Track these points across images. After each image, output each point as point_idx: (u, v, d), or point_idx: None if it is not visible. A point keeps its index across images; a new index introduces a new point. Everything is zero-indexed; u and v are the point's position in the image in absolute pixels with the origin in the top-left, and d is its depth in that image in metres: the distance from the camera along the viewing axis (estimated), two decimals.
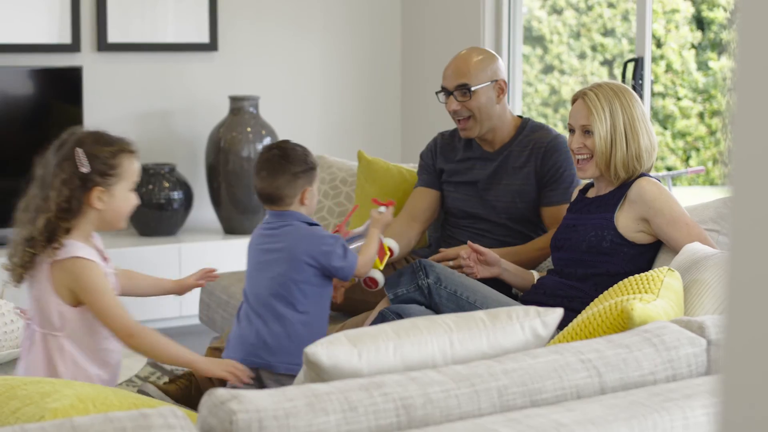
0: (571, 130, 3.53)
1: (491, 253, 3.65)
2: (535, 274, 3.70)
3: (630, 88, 3.53)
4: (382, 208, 3.56)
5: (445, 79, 4.00)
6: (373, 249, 3.43)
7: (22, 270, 2.85)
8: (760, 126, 1.10)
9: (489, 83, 3.96)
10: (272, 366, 3.22)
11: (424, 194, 4.14)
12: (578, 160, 3.51)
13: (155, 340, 2.94)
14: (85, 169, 2.81)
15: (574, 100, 3.55)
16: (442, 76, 4.03)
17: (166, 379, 3.65)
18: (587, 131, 3.47)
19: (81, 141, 2.82)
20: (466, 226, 4.03)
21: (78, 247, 2.85)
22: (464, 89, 3.94)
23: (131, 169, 2.90)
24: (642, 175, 3.47)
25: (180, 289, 3.35)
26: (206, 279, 3.43)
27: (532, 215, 3.97)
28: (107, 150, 2.84)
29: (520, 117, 4.12)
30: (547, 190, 3.94)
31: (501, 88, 3.98)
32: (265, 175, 3.30)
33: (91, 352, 2.90)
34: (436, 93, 4.07)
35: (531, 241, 3.94)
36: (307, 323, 3.27)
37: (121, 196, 2.88)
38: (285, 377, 3.18)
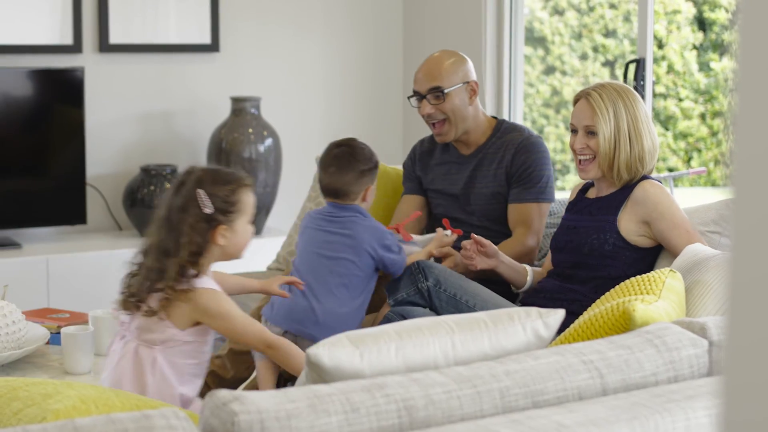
0: (574, 131, 3.52)
1: (491, 246, 3.64)
2: (528, 268, 3.68)
3: (632, 89, 3.52)
4: (449, 232, 3.70)
5: (417, 83, 4.00)
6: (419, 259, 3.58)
7: (139, 302, 2.92)
8: (761, 127, 1.10)
9: (461, 85, 3.96)
10: (316, 338, 3.29)
11: (409, 201, 4.18)
12: (580, 161, 3.49)
13: (290, 351, 3.07)
14: (208, 210, 2.90)
15: (576, 100, 3.53)
16: (413, 80, 4.03)
17: None
18: (591, 132, 3.45)
19: (200, 181, 2.91)
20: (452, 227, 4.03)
21: (202, 279, 2.95)
22: (437, 92, 3.94)
23: (249, 203, 3.00)
24: (645, 177, 3.46)
25: (265, 291, 3.40)
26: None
27: (504, 217, 3.98)
28: (227, 188, 2.93)
29: (495, 118, 4.12)
30: (513, 188, 3.94)
31: (473, 90, 3.99)
32: (333, 171, 3.47)
33: (179, 370, 2.96)
34: (408, 98, 4.07)
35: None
36: (354, 308, 3.46)
37: (242, 230, 2.98)
38: None
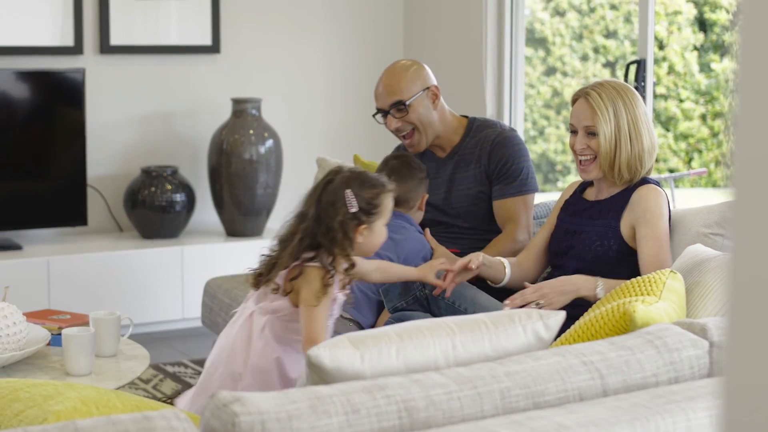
0: (573, 132, 3.49)
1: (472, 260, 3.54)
2: (505, 262, 3.60)
3: (631, 87, 3.50)
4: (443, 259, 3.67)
5: (378, 100, 4.01)
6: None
7: (266, 281, 3.15)
8: (762, 128, 1.10)
9: (421, 92, 3.96)
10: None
11: None
12: (581, 161, 3.47)
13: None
14: (353, 209, 3.09)
15: (574, 100, 3.50)
16: (374, 97, 4.04)
17: (168, 381, 3.67)
18: (591, 132, 3.43)
19: (348, 182, 3.12)
20: (439, 233, 4.02)
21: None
22: (400, 105, 3.94)
23: (389, 207, 3.19)
24: (647, 180, 3.45)
25: (423, 279, 3.48)
26: (459, 278, 3.50)
27: (490, 213, 3.99)
28: (372, 191, 3.14)
29: (466, 117, 4.12)
30: (495, 185, 3.94)
31: (434, 94, 3.98)
32: (394, 179, 3.49)
33: (283, 341, 3.16)
34: (373, 115, 4.07)
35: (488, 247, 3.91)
36: None
37: (379, 231, 3.17)
38: None
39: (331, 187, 3.13)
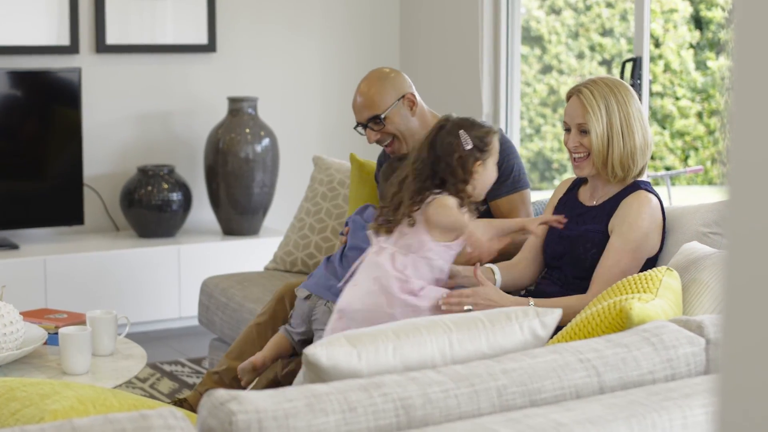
0: (567, 129, 3.49)
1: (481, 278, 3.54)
2: (495, 268, 3.58)
3: (626, 83, 3.48)
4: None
5: (357, 115, 4.00)
6: None
7: (400, 219, 3.38)
8: (758, 125, 1.10)
9: (397, 102, 3.94)
10: None
11: None
12: (575, 158, 3.46)
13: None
14: (468, 146, 3.39)
15: (568, 97, 3.49)
16: (352, 111, 4.05)
17: (165, 380, 3.68)
18: (583, 130, 3.42)
19: (460, 124, 3.43)
20: None
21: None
22: (376, 119, 3.94)
23: (497, 148, 3.47)
24: (640, 186, 3.42)
25: (524, 229, 3.59)
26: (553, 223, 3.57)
27: (490, 215, 3.97)
28: (482, 131, 3.43)
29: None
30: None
31: (411, 101, 3.95)
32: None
33: (418, 273, 3.34)
34: (355, 128, 4.07)
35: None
36: None
37: (491, 169, 3.45)
38: None
39: (444, 130, 3.43)
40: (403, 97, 3.94)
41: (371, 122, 3.93)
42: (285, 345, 3.66)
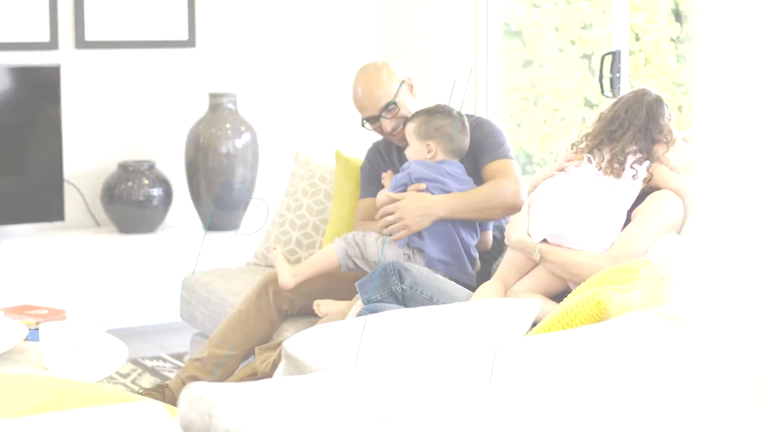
0: None
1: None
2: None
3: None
4: None
5: (365, 111, 4.06)
6: None
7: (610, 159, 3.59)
8: (722, 129, 1.11)
9: (400, 86, 4.05)
10: None
11: (370, 206, 4.14)
12: None
13: None
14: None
15: None
16: (358, 110, 4.09)
17: (147, 375, 3.67)
18: None
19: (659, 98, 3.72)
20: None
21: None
22: (390, 106, 4.01)
23: None
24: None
25: None
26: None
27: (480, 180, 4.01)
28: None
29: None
30: (480, 157, 3.97)
31: (409, 85, 4.11)
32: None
33: None
34: (362, 125, 4.11)
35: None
36: None
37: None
38: None
39: (646, 99, 3.67)
40: (403, 81, 4.07)
41: (384, 111, 4.01)
42: (333, 261, 3.92)
